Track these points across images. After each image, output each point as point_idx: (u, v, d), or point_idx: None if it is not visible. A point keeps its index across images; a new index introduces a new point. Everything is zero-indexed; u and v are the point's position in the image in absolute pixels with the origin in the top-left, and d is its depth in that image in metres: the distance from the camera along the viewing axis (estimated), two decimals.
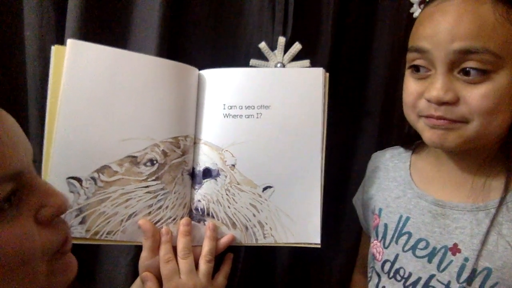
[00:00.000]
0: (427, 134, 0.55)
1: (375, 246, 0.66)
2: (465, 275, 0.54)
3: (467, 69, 0.50)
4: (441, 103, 0.52)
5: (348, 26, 0.78)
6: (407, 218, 0.61)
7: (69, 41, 0.57)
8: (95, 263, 0.78)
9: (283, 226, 0.64)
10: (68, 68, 0.57)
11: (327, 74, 0.65)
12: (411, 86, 0.56)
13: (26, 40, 0.72)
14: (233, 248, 0.66)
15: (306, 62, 0.72)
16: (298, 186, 0.63)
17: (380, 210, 0.66)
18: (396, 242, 0.62)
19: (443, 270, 0.56)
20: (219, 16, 0.76)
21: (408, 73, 0.57)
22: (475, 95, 0.50)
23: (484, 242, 0.53)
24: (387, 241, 0.63)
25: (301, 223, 0.63)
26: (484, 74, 0.50)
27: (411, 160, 0.66)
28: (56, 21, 0.71)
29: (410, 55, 0.56)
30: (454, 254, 0.56)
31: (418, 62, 0.55)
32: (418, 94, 0.55)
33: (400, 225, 0.62)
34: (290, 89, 0.64)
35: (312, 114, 0.63)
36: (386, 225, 0.64)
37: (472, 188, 0.56)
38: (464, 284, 0.54)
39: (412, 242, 0.60)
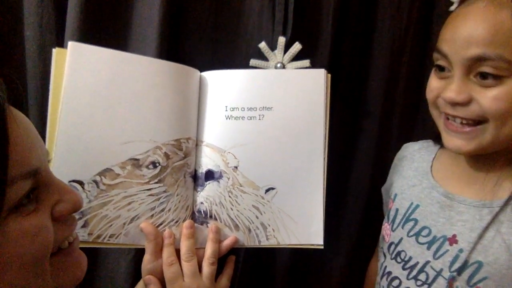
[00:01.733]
0: (447, 140, 0.58)
1: (385, 229, 0.70)
2: (457, 265, 0.57)
3: (482, 73, 0.52)
4: (454, 103, 0.54)
5: (348, 26, 0.78)
6: (417, 206, 0.64)
7: (70, 44, 0.57)
8: (96, 263, 0.78)
9: (285, 227, 0.64)
10: (69, 71, 0.56)
11: (329, 75, 0.65)
12: (433, 83, 0.59)
13: (26, 40, 0.71)
14: (234, 249, 0.66)
15: (306, 62, 0.72)
16: (300, 187, 0.63)
17: (396, 195, 0.69)
18: (402, 227, 0.65)
19: (438, 258, 0.59)
20: (219, 16, 0.75)
21: (433, 70, 0.60)
22: (488, 97, 0.52)
23: (481, 237, 0.55)
24: (395, 225, 0.67)
25: (303, 225, 0.63)
26: (498, 78, 0.51)
27: (437, 153, 0.68)
28: (56, 21, 0.71)
29: (434, 55, 0.58)
30: (451, 244, 0.58)
31: (440, 62, 0.57)
32: (438, 92, 0.57)
33: (409, 211, 0.65)
34: (292, 91, 0.64)
35: (314, 115, 0.63)
36: (397, 210, 0.67)
37: (483, 185, 0.58)
38: (455, 274, 0.57)
39: (417, 228, 0.63)
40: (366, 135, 0.81)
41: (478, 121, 0.54)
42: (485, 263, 0.55)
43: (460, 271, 0.56)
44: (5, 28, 0.71)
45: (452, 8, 0.60)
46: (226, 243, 0.63)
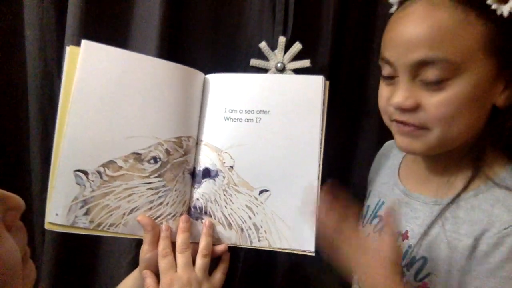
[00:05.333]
0: (398, 140, 0.57)
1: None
2: (406, 261, 0.58)
3: (426, 78, 0.51)
4: (402, 109, 0.53)
5: (348, 26, 0.78)
6: (383, 203, 0.66)
7: (84, 42, 0.59)
8: (97, 262, 0.78)
9: (277, 230, 0.64)
10: (81, 68, 0.59)
11: (327, 82, 0.64)
12: (382, 91, 0.58)
13: (26, 40, 0.72)
14: (233, 248, 0.66)
15: (307, 62, 0.72)
16: (294, 191, 0.63)
17: (369, 192, 0.71)
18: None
19: None
20: (219, 16, 0.76)
21: (381, 78, 0.58)
22: (433, 103, 0.51)
23: (426, 233, 0.56)
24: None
25: (296, 230, 0.63)
26: (443, 82, 0.50)
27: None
28: (56, 21, 0.71)
29: (380, 62, 0.57)
30: (403, 240, 0.59)
31: (386, 69, 0.56)
32: (387, 99, 0.56)
33: (376, 208, 0.66)
34: (289, 96, 0.64)
35: (310, 121, 0.64)
36: (368, 207, 0.69)
37: (437, 184, 0.59)
38: (404, 269, 0.58)
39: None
40: (366, 135, 0.81)
41: (424, 128, 0.53)
42: (429, 259, 0.55)
43: (408, 266, 0.57)
44: (5, 28, 0.72)
45: (392, 10, 0.59)
46: (218, 249, 0.63)
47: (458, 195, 0.55)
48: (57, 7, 0.71)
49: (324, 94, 0.64)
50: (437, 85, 0.50)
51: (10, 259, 0.33)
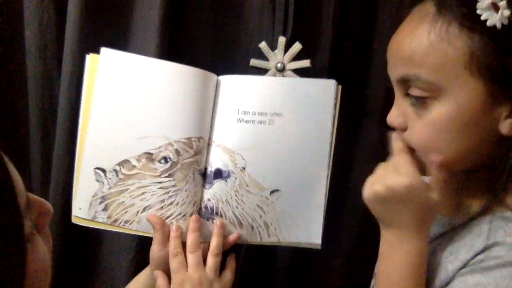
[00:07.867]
0: None
1: None
2: None
3: (412, 95, 0.48)
4: (393, 127, 0.52)
5: (348, 26, 0.78)
6: None
7: (103, 50, 0.62)
8: (96, 262, 0.78)
9: (287, 227, 0.66)
10: (101, 75, 0.63)
11: (340, 86, 0.66)
12: None
13: (26, 39, 0.72)
14: (234, 247, 0.67)
15: (306, 62, 0.72)
16: (304, 191, 0.66)
17: None
18: None
19: None
20: (219, 16, 0.76)
21: None
22: (418, 125, 0.48)
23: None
24: None
25: (304, 225, 0.66)
26: (426, 101, 0.47)
27: None
28: (56, 21, 0.71)
29: None
30: None
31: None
32: None
33: None
34: (302, 99, 0.66)
35: (321, 124, 0.66)
36: None
37: (455, 204, 0.55)
38: None
39: None
40: (366, 135, 0.81)
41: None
42: (429, 280, 0.51)
43: None
44: (5, 28, 0.72)
45: None
46: (230, 238, 0.65)
47: (472, 219, 0.50)
48: (57, 7, 0.70)
49: (336, 98, 0.66)
50: (422, 104, 0.47)
51: (45, 261, 0.36)
